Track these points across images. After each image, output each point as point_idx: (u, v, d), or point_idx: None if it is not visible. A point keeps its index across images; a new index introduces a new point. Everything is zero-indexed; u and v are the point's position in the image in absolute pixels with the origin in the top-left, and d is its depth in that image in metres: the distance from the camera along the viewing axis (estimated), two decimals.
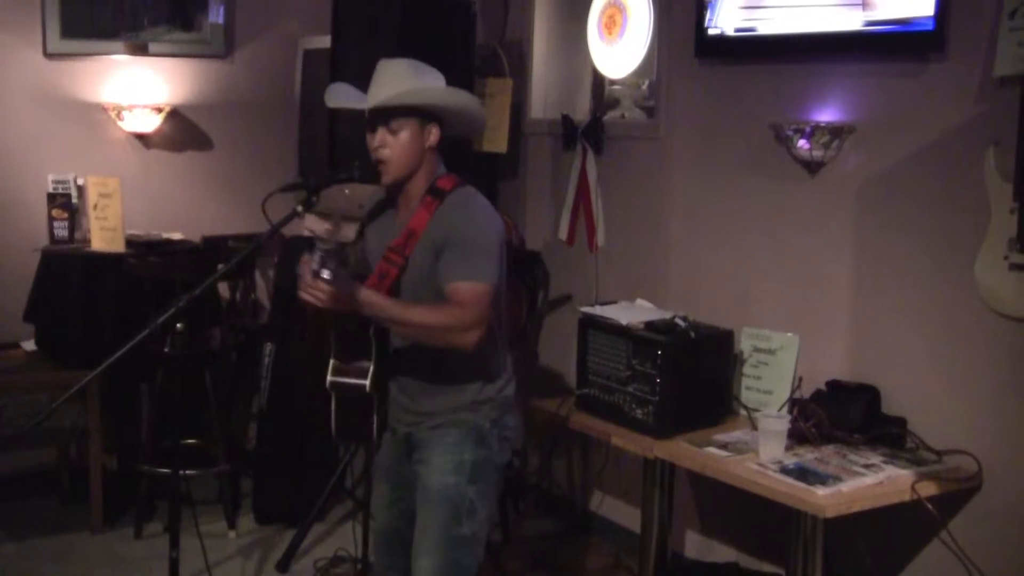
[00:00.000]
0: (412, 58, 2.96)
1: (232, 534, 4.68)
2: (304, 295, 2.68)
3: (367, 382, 2.88)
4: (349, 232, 4.85)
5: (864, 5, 3.43)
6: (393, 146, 2.84)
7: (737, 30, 3.83)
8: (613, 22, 4.47)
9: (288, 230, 3.60)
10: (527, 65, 4.96)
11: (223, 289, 5.14)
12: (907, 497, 3.05)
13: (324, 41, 4.74)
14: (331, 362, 2.95)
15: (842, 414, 3.37)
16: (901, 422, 3.39)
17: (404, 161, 2.86)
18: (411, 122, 2.84)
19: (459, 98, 2.94)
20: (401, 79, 2.87)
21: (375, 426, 2.98)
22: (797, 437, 3.32)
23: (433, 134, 2.88)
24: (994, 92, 3.12)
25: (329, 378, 2.93)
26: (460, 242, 2.79)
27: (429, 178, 2.90)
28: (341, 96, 2.99)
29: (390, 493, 3.09)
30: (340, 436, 3.10)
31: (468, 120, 2.97)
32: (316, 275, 2.60)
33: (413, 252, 2.86)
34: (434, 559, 2.86)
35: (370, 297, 2.72)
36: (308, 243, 2.82)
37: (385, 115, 2.83)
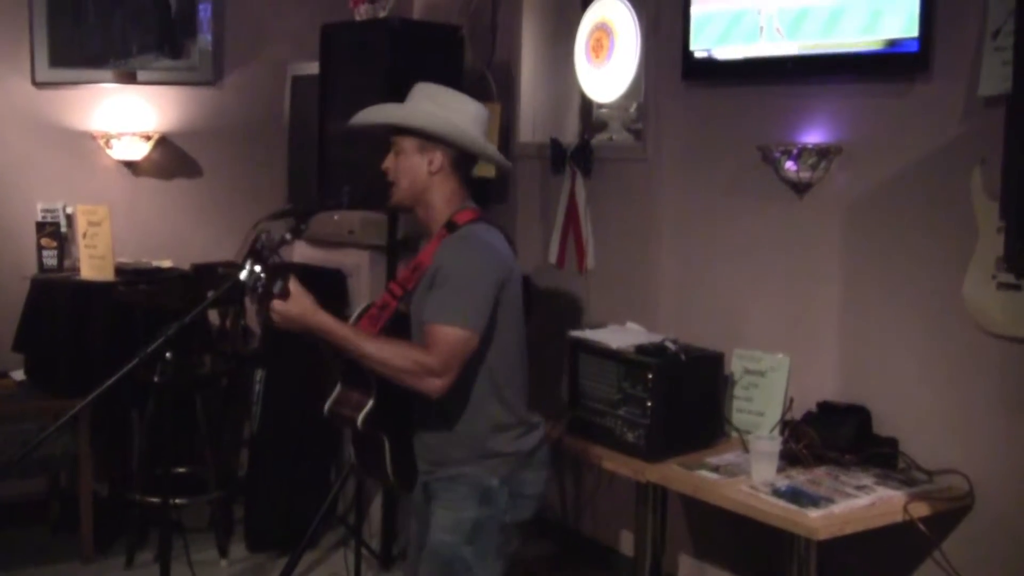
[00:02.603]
0: (405, 86, 2.95)
1: (224, 563, 4.65)
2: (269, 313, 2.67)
3: (359, 417, 2.82)
4: (348, 258, 4.86)
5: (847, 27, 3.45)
6: (394, 167, 2.86)
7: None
8: (600, 46, 4.48)
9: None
10: (515, 89, 4.98)
11: (213, 316, 5.13)
12: (899, 518, 3.04)
13: (313, 67, 4.75)
14: (336, 389, 2.92)
15: (833, 435, 3.36)
16: (892, 442, 3.38)
17: (404, 183, 2.85)
18: (410, 144, 2.83)
19: (447, 128, 2.82)
20: (414, 102, 2.89)
21: (388, 467, 2.89)
22: (789, 459, 3.31)
23: (435, 160, 2.83)
24: (979, 111, 3.14)
25: (328, 405, 2.91)
26: (443, 282, 2.72)
27: (448, 210, 2.85)
28: (362, 114, 2.98)
29: (419, 536, 2.98)
30: (359, 472, 3.06)
31: (463, 147, 2.86)
32: (261, 297, 2.58)
33: (416, 287, 2.83)
34: None
35: (324, 322, 2.66)
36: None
37: (391, 135, 2.86)
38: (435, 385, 2.66)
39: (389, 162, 2.87)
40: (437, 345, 2.66)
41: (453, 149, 2.84)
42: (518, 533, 2.92)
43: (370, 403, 2.81)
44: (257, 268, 2.61)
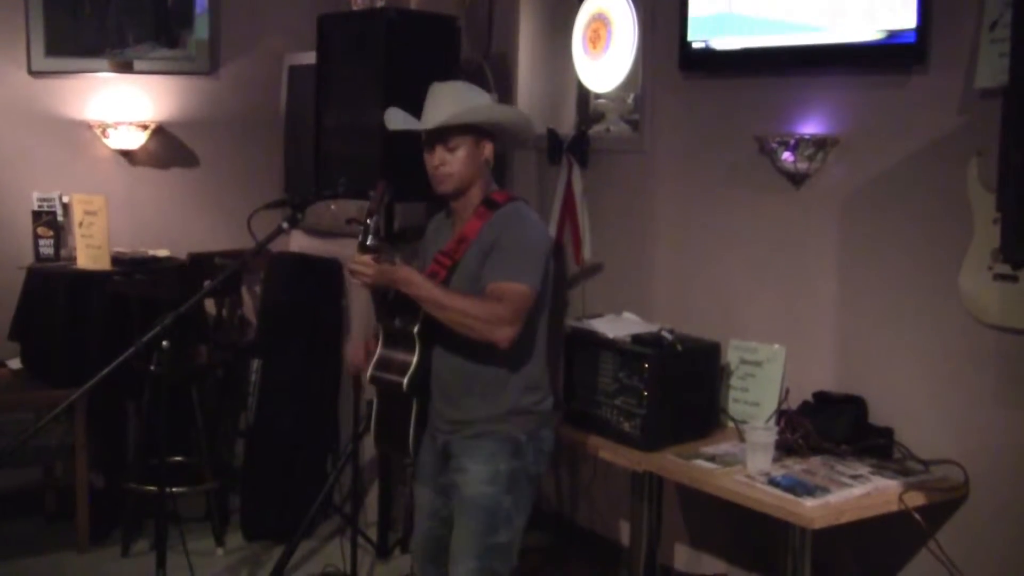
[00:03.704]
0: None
1: (220, 552, 4.67)
2: (352, 267, 2.88)
3: (404, 380, 3.00)
4: (347, 250, 4.87)
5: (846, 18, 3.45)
6: (452, 163, 3.05)
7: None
8: (598, 36, 4.48)
9: (274, 246, 3.61)
10: (512, 80, 4.97)
11: (210, 306, 5.13)
12: (894, 508, 3.05)
13: (310, 57, 4.75)
14: (376, 353, 3.09)
15: (829, 425, 3.37)
16: (888, 432, 3.39)
17: (463, 175, 3.06)
18: (467, 139, 3.04)
19: (510, 113, 3.25)
20: (455, 100, 3.07)
21: (411, 435, 3.07)
22: (785, 449, 3.32)
23: (488, 149, 3.09)
24: (976, 103, 3.14)
25: (370, 371, 3.07)
26: (506, 246, 2.96)
27: (484, 190, 3.11)
28: (399, 120, 3.17)
29: (431, 501, 3.21)
30: (378, 442, 3.26)
31: (517, 133, 3.19)
32: (362, 246, 2.79)
33: (463, 257, 3.02)
34: (470, 567, 3.00)
35: (412, 276, 2.89)
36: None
37: (442, 135, 3.03)
38: (507, 333, 2.90)
39: (441, 159, 3.04)
40: (507, 298, 2.91)
41: (494, 136, 3.10)
42: (537, 484, 3.15)
43: (413, 364, 3.01)
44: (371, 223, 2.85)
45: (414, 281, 2.88)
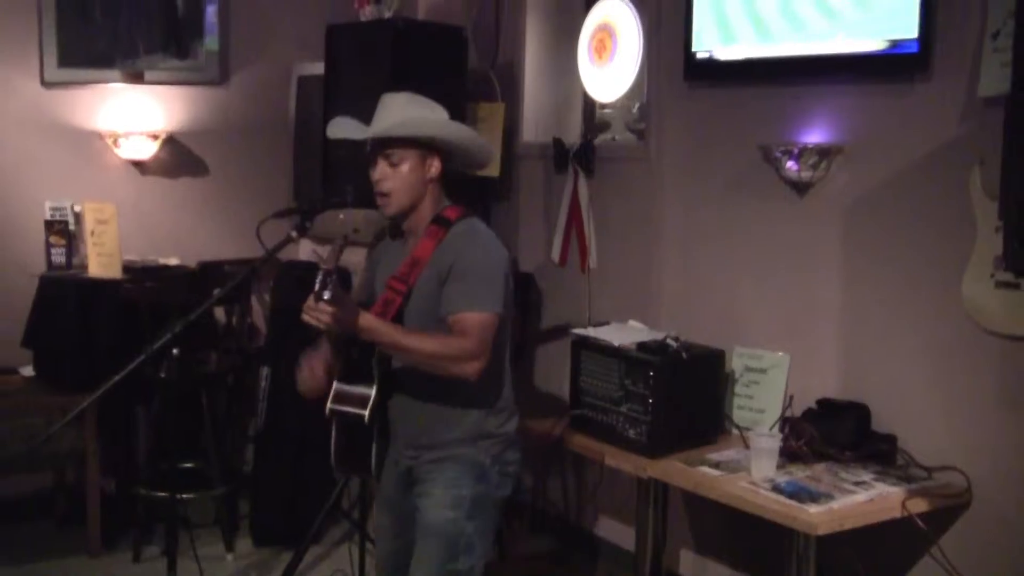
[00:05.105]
0: (408, 88, 2.96)
1: (230, 557, 4.67)
2: (306, 317, 2.68)
3: (366, 413, 2.86)
4: (354, 257, 4.86)
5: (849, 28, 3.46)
6: (394, 179, 2.86)
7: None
8: (603, 46, 4.48)
9: (283, 255, 3.61)
10: (519, 89, 4.99)
11: (219, 313, 5.14)
12: (897, 514, 3.04)
13: (318, 67, 4.76)
14: (333, 387, 2.93)
15: (833, 432, 3.37)
16: (891, 439, 3.39)
17: (405, 193, 2.87)
18: (411, 154, 2.85)
19: (456, 131, 2.93)
20: (399, 111, 2.87)
21: (373, 462, 2.95)
22: (789, 455, 3.32)
23: (434, 166, 2.88)
24: (978, 112, 3.14)
25: (329, 404, 2.91)
26: (463, 271, 2.80)
27: (434, 208, 2.91)
28: (342, 128, 2.98)
29: (392, 525, 3.08)
30: (339, 467, 3.07)
31: (468, 153, 2.96)
32: (318, 297, 2.60)
33: (417, 281, 2.87)
34: None
35: (371, 322, 2.71)
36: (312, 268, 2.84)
37: (385, 147, 2.85)
38: (475, 367, 2.76)
39: (383, 173, 2.86)
40: (472, 330, 2.76)
41: (444, 153, 2.89)
42: (502, 511, 3.03)
43: (372, 397, 2.86)
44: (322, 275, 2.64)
45: (375, 329, 2.70)
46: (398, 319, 2.87)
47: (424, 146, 2.86)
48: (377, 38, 4.40)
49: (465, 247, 2.83)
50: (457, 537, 2.87)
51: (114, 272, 4.78)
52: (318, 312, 2.64)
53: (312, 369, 2.98)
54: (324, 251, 2.81)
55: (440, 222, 2.88)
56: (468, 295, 2.78)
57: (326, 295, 2.60)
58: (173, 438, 4.32)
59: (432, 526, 2.88)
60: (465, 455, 2.90)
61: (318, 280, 2.64)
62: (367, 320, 2.71)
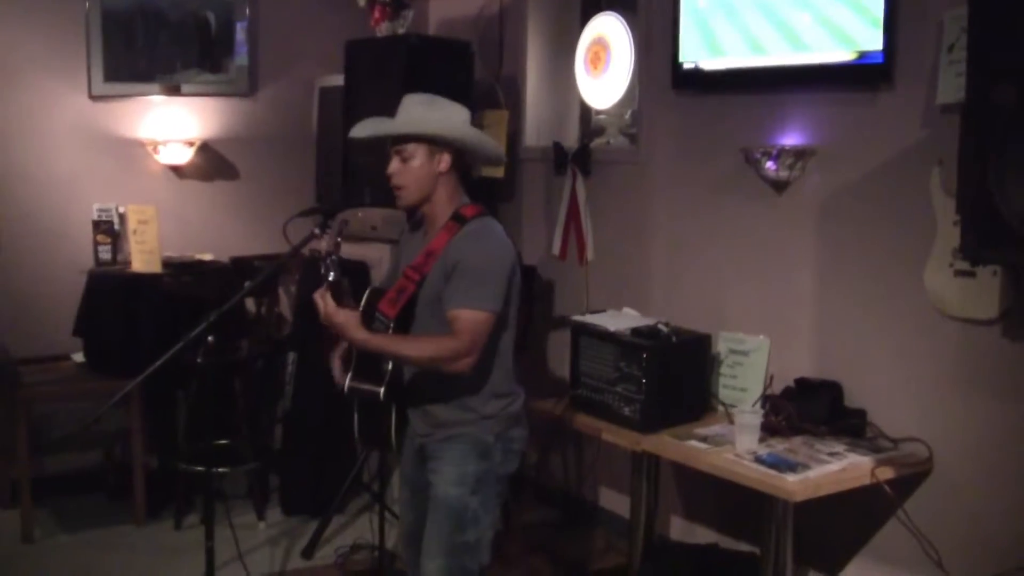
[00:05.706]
0: (427, 93, 2.94)
1: (262, 525, 4.70)
2: (315, 297, 2.75)
3: (382, 389, 2.85)
4: (372, 252, 4.89)
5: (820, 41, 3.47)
6: (404, 173, 2.85)
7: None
8: (598, 58, 4.50)
9: (308, 250, 3.64)
10: (521, 98, 4.99)
11: (250, 304, 5.17)
12: (867, 481, 3.07)
13: (338, 80, 4.77)
14: (352, 367, 2.92)
15: (809, 408, 3.39)
16: (861, 414, 3.41)
17: (415, 186, 2.85)
18: (420, 150, 2.83)
19: (460, 128, 2.88)
20: (413, 111, 2.87)
21: (392, 435, 2.93)
22: (769, 430, 3.34)
23: (443, 161, 2.85)
24: (937, 118, 3.15)
25: (348, 383, 2.90)
26: (465, 270, 2.76)
27: (453, 204, 2.89)
28: (363, 128, 2.95)
29: (411, 499, 3.08)
30: (362, 441, 3.06)
31: (476, 148, 2.92)
32: (323, 280, 2.65)
33: (430, 272, 2.84)
34: (439, 563, 2.86)
35: (361, 338, 2.74)
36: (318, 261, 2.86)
37: (398, 143, 2.85)
38: (466, 364, 2.74)
39: (395, 168, 2.86)
40: (465, 329, 2.73)
41: (455, 150, 2.87)
42: (507, 485, 3.01)
43: (388, 374, 2.85)
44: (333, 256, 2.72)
45: (363, 340, 2.74)
46: (410, 306, 2.86)
47: (432, 142, 2.83)
48: (392, 52, 4.40)
49: (470, 246, 2.80)
50: (463, 511, 2.85)
51: (155, 267, 4.80)
52: (321, 299, 2.73)
53: (339, 360, 2.99)
54: (322, 243, 2.82)
55: (457, 219, 2.85)
56: (468, 292, 2.75)
57: (331, 276, 2.66)
58: (209, 418, 4.33)
59: (441, 501, 2.87)
60: (470, 434, 2.88)
61: (322, 268, 2.68)
62: (359, 336, 2.74)
